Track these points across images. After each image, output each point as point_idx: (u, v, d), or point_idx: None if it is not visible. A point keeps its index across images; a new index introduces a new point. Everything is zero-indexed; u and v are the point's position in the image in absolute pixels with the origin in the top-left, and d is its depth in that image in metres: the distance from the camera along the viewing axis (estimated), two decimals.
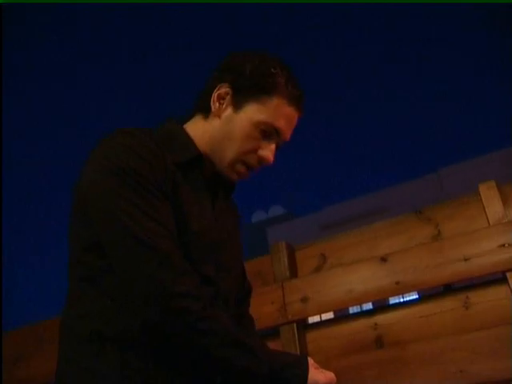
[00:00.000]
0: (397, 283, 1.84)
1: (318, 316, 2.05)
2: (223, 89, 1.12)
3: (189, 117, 1.20)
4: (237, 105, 1.11)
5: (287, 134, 1.14)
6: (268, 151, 1.12)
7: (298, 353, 1.89)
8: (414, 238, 1.93)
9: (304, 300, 1.96)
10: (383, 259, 1.90)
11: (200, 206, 1.11)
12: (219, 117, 1.13)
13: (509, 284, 1.70)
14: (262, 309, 1.97)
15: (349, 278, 1.93)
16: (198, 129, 1.16)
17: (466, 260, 1.77)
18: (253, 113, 1.10)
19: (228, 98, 1.12)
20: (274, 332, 2.00)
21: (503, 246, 1.72)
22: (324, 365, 1.85)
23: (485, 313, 1.73)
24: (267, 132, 1.11)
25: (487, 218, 1.81)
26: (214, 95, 1.13)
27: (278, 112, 1.11)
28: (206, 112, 1.15)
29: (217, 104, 1.13)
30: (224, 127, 1.12)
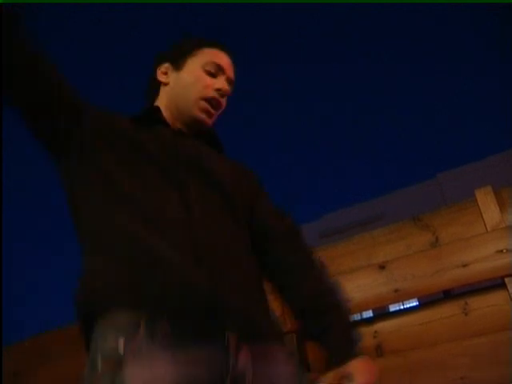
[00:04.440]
0: (396, 291, 1.85)
1: None
2: (163, 66, 1.29)
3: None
4: (178, 67, 1.27)
5: (229, 70, 1.29)
6: (220, 82, 1.26)
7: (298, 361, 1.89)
8: (413, 245, 1.93)
9: None
10: (382, 266, 1.90)
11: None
12: (169, 83, 1.28)
13: (508, 289, 1.70)
14: None
15: (348, 286, 1.93)
16: (159, 103, 1.28)
17: (464, 266, 1.77)
18: (193, 63, 1.26)
19: (169, 68, 1.28)
20: None
21: (501, 251, 1.73)
22: (325, 373, 1.85)
23: (484, 318, 1.74)
24: (212, 71, 1.26)
25: (484, 224, 1.82)
26: (158, 73, 1.29)
27: (211, 53, 1.28)
28: (158, 90, 1.30)
29: (163, 76, 1.29)
30: (176, 85, 1.27)
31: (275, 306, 1.99)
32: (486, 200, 1.84)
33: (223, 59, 1.29)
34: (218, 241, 1.07)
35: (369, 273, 1.92)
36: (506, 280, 1.70)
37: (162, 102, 1.28)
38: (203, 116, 1.24)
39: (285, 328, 1.96)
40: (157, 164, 1.11)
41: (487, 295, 1.76)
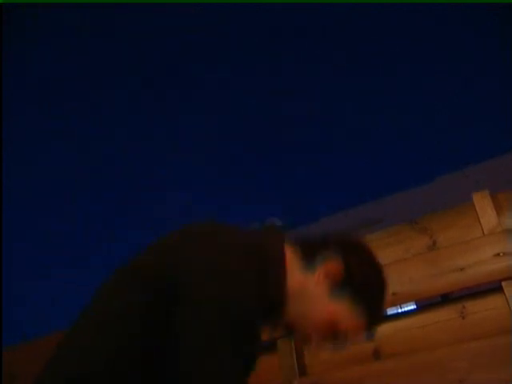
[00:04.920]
0: (393, 294, 1.85)
1: None
2: (336, 266, 1.08)
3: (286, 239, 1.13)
4: (335, 291, 1.08)
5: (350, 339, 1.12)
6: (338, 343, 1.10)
7: (296, 365, 1.89)
8: (410, 249, 1.93)
9: None
10: None
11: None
12: (316, 285, 1.08)
13: (505, 293, 1.70)
14: None
15: None
16: (294, 274, 1.08)
17: (461, 270, 1.78)
18: (344, 307, 1.08)
19: (335, 278, 1.08)
20: (271, 345, 1.99)
21: (498, 255, 1.73)
22: (322, 377, 1.86)
23: (482, 322, 1.74)
24: (339, 335, 1.09)
25: (482, 228, 1.82)
26: (328, 263, 1.09)
27: (355, 326, 1.10)
28: (306, 262, 1.10)
29: (321, 274, 1.08)
30: (317, 302, 1.08)
31: None
32: (483, 204, 1.85)
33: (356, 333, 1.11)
34: None
35: None
36: (504, 284, 1.71)
37: (293, 281, 1.08)
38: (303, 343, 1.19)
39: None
40: None
41: (485, 299, 1.77)
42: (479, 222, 1.83)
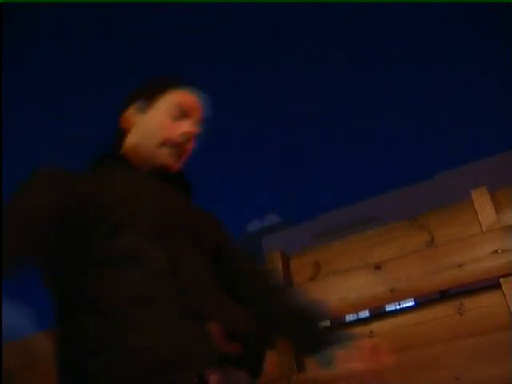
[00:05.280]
0: (391, 291, 1.85)
1: None
2: (127, 111, 1.26)
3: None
4: (142, 112, 1.25)
5: (195, 111, 1.26)
6: (185, 125, 1.23)
7: (294, 361, 1.89)
8: (408, 246, 1.93)
9: None
10: (377, 267, 1.91)
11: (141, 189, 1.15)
12: (132, 128, 1.25)
13: (503, 290, 1.70)
14: None
15: (343, 286, 1.93)
16: (126, 149, 1.24)
17: (459, 266, 1.78)
18: (158, 106, 1.24)
19: (132, 113, 1.26)
20: (271, 342, 2.00)
21: (496, 252, 1.73)
22: (320, 373, 1.85)
23: (480, 319, 1.74)
24: (176, 114, 1.23)
25: (480, 225, 1.82)
26: (122, 120, 1.26)
27: (176, 95, 1.25)
28: (122, 137, 1.26)
29: (126, 122, 1.26)
30: (140, 129, 1.24)
31: None
32: (481, 201, 1.85)
33: (189, 100, 1.26)
34: (204, 293, 1.08)
35: (364, 273, 1.92)
36: (502, 280, 1.71)
37: (128, 147, 1.24)
38: (168, 162, 1.22)
39: None
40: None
41: (482, 295, 1.77)
42: (478, 218, 1.83)
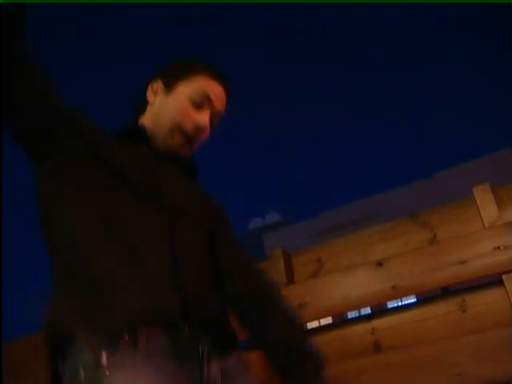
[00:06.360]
0: (393, 287, 1.85)
1: (316, 321, 2.05)
2: (155, 84, 1.26)
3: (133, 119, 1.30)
4: (168, 89, 1.24)
5: (217, 102, 1.25)
6: (202, 116, 1.21)
7: None
8: (410, 242, 1.93)
9: (301, 306, 1.96)
10: (379, 264, 1.90)
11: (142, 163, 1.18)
12: (155, 103, 1.25)
13: (505, 286, 1.70)
14: None
15: (345, 283, 1.93)
16: (145, 120, 1.26)
17: (461, 263, 1.77)
18: (182, 88, 1.23)
19: (160, 87, 1.25)
20: None
21: (498, 248, 1.73)
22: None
23: (482, 315, 1.74)
24: (198, 101, 1.22)
25: (482, 221, 1.82)
26: (148, 90, 1.27)
27: (204, 82, 1.24)
28: (145, 106, 1.27)
29: (152, 95, 1.26)
30: (160, 107, 1.24)
31: None
32: (483, 197, 1.85)
33: (215, 90, 1.25)
34: (195, 271, 1.11)
35: (366, 270, 1.92)
36: (504, 277, 1.70)
37: (147, 120, 1.25)
38: (177, 146, 1.23)
39: None
40: (141, 196, 1.12)
41: (485, 292, 1.76)
42: (480, 215, 1.83)
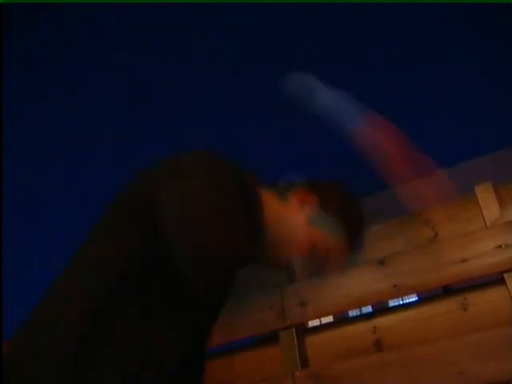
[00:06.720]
0: (394, 286, 1.85)
1: (317, 320, 2.05)
2: (307, 194, 1.13)
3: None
4: (312, 217, 1.11)
5: None
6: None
7: (298, 357, 1.89)
8: (412, 241, 1.93)
9: (303, 304, 1.96)
10: (381, 262, 1.90)
11: None
12: (293, 212, 1.12)
13: (506, 285, 1.70)
14: (261, 314, 1.97)
15: (347, 282, 1.93)
16: (270, 206, 1.11)
17: (463, 262, 1.77)
18: (320, 234, 1.11)
19: (309, 205, 1.12)
20: (273, 337, 2.00)
21: (500, 247, 1.73)
22: (324, 368, 1.86)
23: (483, 314, 1.74)
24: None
25: (484, 220, 1.82)
26: (298, 191, 1.14)
27: (334, 246, 1.12)
28: (280, 195, 1.14)
29: (295, 201, 1.13)
30: (293, 225, 1.11)
31: (274, 301, 2.00)
32: (485, 196, 1.84)
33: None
34: None
35: (368, 268, 1.92)
36: (505, 276, 1.70)
37: (270, 211, 1.12)
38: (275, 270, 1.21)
39: (284, 323, 1.97)
40: None
41: (486, 291, 1.76)
42: (481, 214, 1.82)
